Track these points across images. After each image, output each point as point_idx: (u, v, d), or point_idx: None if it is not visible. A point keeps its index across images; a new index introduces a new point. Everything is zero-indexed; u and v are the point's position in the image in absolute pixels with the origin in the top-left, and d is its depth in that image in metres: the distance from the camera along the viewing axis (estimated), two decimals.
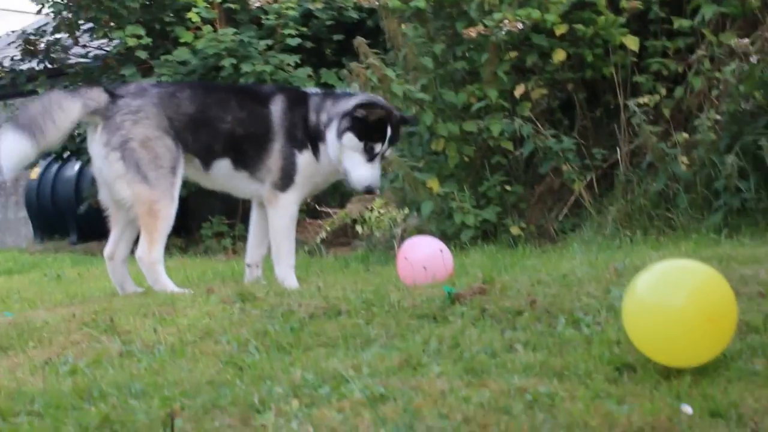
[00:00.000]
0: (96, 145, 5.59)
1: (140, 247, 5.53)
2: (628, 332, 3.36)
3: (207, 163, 5.77)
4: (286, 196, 5.75)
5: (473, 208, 7.78)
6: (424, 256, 5.17)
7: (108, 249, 5.86)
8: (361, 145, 5.55)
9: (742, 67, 7.14)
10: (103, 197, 5.75)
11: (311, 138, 5.76)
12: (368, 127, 5.55)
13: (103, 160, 5.55)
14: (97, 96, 5.57)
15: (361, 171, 5.59)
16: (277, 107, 5.77)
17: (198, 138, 5.69)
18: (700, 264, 3.47)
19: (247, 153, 5.74)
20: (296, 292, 4.91)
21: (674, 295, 3.24)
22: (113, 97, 5.59)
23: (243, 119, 5.75)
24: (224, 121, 5.72)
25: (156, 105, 5.59)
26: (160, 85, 5.91)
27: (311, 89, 6.07)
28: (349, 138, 5.56)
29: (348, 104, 5.66)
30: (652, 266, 3.40)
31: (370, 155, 5.59)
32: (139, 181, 5.46)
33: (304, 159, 5.76)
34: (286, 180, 5.73)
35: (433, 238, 5.64)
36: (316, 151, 5.77)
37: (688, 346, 3.22)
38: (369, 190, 5.78)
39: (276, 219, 5.76)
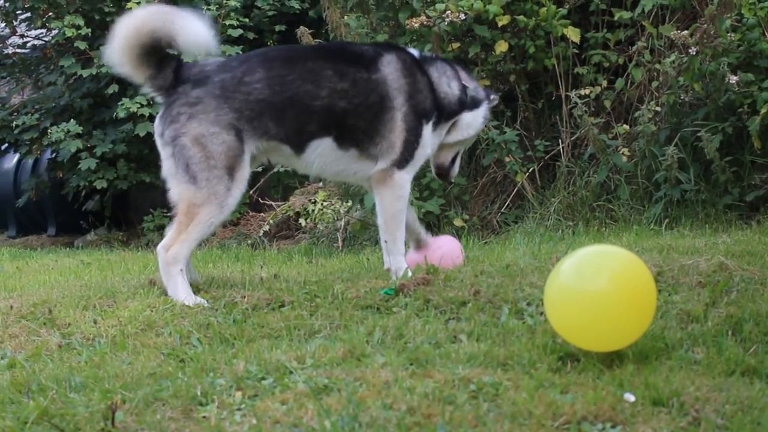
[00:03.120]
0: (156, 131, 4.93)
1: (165, 239, 4.84)
2: (551, 319, 3.40)
3: (300, 146, 4.98)
4: (403, 174, 5.05)
5: (416, 200, 7.77)
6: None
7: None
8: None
9: (681, 58, 7.21)
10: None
11: (438, 107, 5.14)
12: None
13: (160, 151, 4.88)
14: (166, 73, 4.82)
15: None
16: (392, 70, 5.03)
17: (283, 122, 4.90)
18: (617, 248, 3.51)
19: (356, 128, 4.97)
20: (239, 284, 4.87)
21: (595, 279, 3.27)
22: (176, 79, 4.82)
23: (346, 90, 4.93)
24: (318, 97, 4.90)
25: (218, 97, 4.80)
26: (228, 69, 4.91)
27: (416, 51, 5.32)
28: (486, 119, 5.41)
29: (476, 84, 5.45)
30: (572, 254, 3.44)
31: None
32: (186, 181, 4.74)
33: (428, 131, 5.10)
34: (407, 155, 5.03)
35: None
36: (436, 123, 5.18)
37: (610, 329, 3.26)
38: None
39: (391, 202, 5.06)
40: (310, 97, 4.89)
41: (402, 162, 5.02)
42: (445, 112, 5.19)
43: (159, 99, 4.89)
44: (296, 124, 4.91)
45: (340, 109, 4.92)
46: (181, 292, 4.65)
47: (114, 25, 4.79)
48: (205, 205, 4.73)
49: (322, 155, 5.02)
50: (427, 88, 5.07)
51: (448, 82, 5.19)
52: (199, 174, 4.73)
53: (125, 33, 4.71)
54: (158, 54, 4.75)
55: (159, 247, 4.82)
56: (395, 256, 5.03)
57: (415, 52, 5.24)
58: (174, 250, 4.73)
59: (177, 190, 4.80)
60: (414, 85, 5.03)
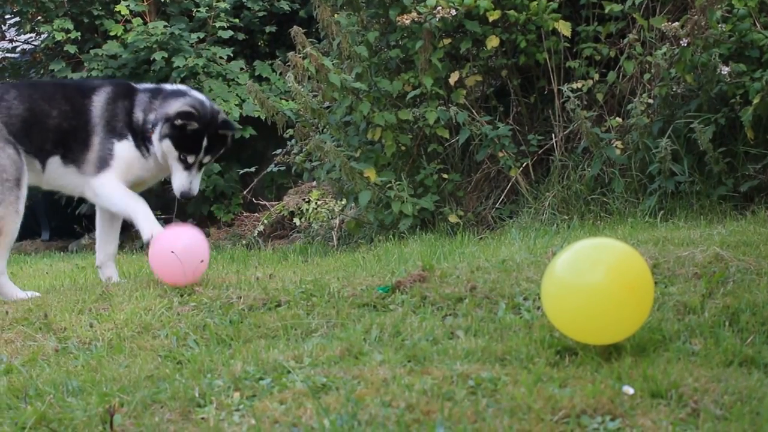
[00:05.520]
0: None
1: None
2: (548, 313, 3.39)
3: (42, 162, 5.53)
4: (100, 176, 5.53)
5: (411, 197, 7.77)
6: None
7: None
8: (176, 154, 5.47)
9: (673, 50, 7.21)
10: None
11: (135, 132, 5.59)
12: (185, 137, 5.45)
13: None
14: None
15: (177, 178, 5.51)
16: (99, 99, 5.59)
17: (33, 138, 5.45)
18: (613, 241, 3.51)
19: (72, 147, 5.54)
20: (235, 285, 4.86)
21: (592, 272, 3.27)
22: None
23: (67, 112, 5.52)
24: (51, 116, 5.49)
25: None
26: None
27: (143, 85, 5.87)
28: (167, 145, 5.47)
29: (171, 108, 5.50)
30: (568, 248, 3.43)
31: (185, 165, 5.49)
32: None
33: (122, 147, 5.55)
34: (101, 164, 5.53)
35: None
36: (142, 147, 5.60)
37: (608, 322, 3.26)
38: (183, 197, 5.60)
39: (101, 199, 5.63)
40: (46, 116, 5.49)
41: (96, 170, 5.54)
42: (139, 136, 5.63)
43: None
44: (40, 140, 5.47)
45: (64, 129, 5.51)
46: (12, 292, 5.32)
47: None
48: (6, 217, 5.24)
49: (55, 171, 5.58)
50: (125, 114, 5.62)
51: (142, 110, 5.63)
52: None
53: None
54: None
55: None
56: None
57: (141, 86, 5.83)
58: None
59: None
60: (113, 112, 5.60)
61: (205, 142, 5.48)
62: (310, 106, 8.32)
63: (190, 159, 5.48)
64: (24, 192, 5.33)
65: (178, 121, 5.40)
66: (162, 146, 5.48)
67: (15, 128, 5.37)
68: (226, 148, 5.68)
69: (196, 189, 5.60)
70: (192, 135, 5.43)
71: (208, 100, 5.75)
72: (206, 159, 5.58)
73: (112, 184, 5.52)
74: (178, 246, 4.92)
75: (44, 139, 5.47)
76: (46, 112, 5.47)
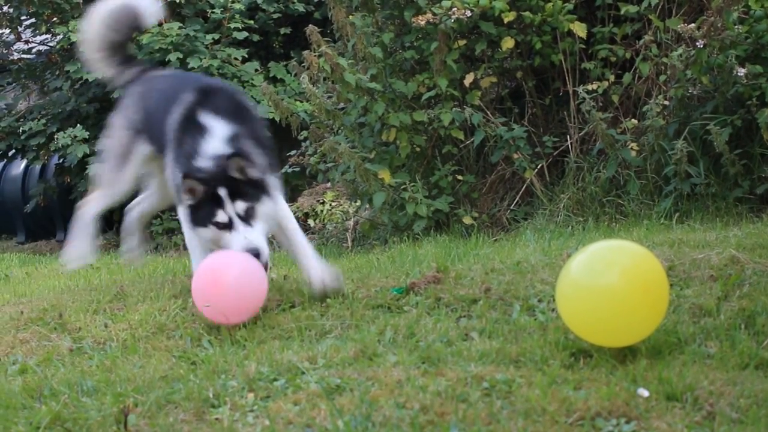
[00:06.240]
0: None
1: None
2: (563, 315, 3.38)
3: None
4: None
5: (425, 199, 7.76)
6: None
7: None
8: (208, 230, 4.44)
9: (688, 52, 7.18)
10: None
11: None
12: (201, 208, 4.42)
13: None
14: None
15: (234, 240, 4.37)
16: None
17: None
18: (629, 243, 3.50)
19: None
20: None
21: (607, 274, 3.26)
22: None
23: None
24: None
25: None
26: None
27: None
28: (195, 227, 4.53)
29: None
30: (583, 249, 3.42)
31: (224, 227, 4.38)
32: None
33: None
34: None
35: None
36: None
37: (622, 325, 3.24)
38: (255, 255, 4.31)
39: None
40: None
41: None
42: None
43: None
44: None
45: None
46: None
47: None
48: None
49: None
50: None
51: None
52: None
53: None
54: None
55: None
56: None
57: None
58: None
59: None
60: None
61: (223, 194, 4.38)
62: (324, 107, 8.31)
63: (221, 217, 4.38)
64: None
65: (186, 197, 4.46)
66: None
67: None
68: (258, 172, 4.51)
69: (258, 244, 4.36)
70: (206, 200, 4.42)
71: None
72: (245, 205, 4.40)
73: None
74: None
75: None
76: None
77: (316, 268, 4.59)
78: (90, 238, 5.35)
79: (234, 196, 4.35)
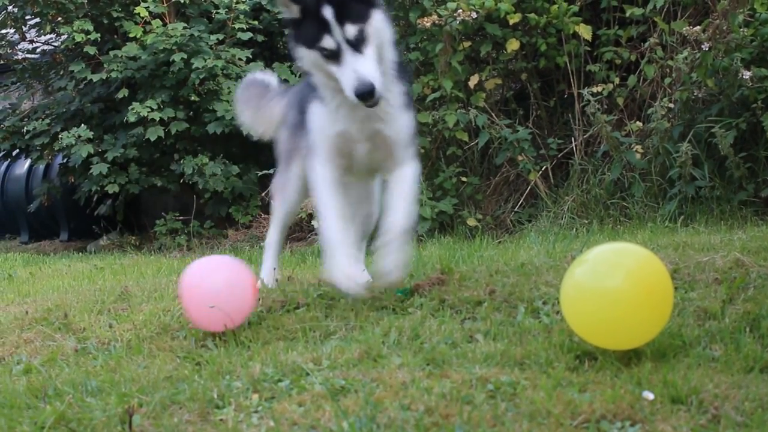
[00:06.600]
0: None
1: None
2: (568, 318, 3.38)
3: None
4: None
5: (429, 200, 7.76)
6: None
7: None
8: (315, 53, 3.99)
9: (694, 54, 7.19)
10: None
11: None
12: (303, 26, 3.99)
13: None
14: None
15: (342, 78, 3.92)
16: None
17: None
18: (633, 245, 3.49)
19: None
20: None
21: (611, 277, 3.25)
22: None
23: None
24: None
25: None
26: None
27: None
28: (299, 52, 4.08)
29: None
30: (587, 252, 3.42)
31: (332, 55, 3.91)
32: None
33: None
34: None
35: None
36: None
37: (627, 327, 3.24)
38: (362, 95, 3.85)
39: None
40: None
41: None
42: None
43: None
44: None
45: None
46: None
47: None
48: None
49: None
50: None
51: None
52: None
53: None
54: None
55: None
56: None
57: None
58: None
59: None
60: None
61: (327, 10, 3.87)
62: None
63: (328, 42, 3.90)
64: None
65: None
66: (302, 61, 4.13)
67: None
68: None
69: (369, 76, 3.87)
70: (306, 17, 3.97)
71: None
72: (355, 29, 3.88)
73: None
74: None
75: None
76: None
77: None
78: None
79: (341, 18, 3.84)
